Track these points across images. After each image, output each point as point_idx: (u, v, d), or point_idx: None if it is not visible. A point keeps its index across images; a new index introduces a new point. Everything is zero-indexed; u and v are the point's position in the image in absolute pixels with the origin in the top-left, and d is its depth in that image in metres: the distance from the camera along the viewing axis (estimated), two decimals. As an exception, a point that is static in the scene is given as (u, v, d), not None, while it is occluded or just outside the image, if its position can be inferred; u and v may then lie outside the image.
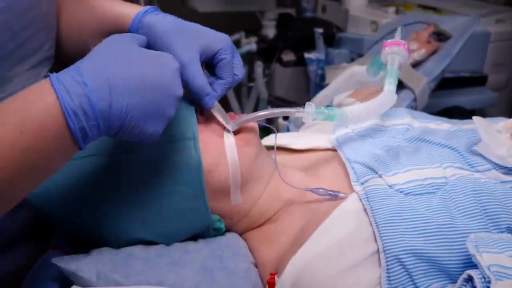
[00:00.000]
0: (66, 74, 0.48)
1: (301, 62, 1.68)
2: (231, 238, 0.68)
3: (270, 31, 1.85)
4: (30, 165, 0.46)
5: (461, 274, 0.56)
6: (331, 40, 1.70)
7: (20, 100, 0.47)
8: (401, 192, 0.65)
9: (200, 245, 0.66)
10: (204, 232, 0.67)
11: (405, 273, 0.57)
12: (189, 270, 0.61)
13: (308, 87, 1.68)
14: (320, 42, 1.62)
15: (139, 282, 0.60)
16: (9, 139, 0.44)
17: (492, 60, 1.65)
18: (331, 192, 0.68)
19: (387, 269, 0.57)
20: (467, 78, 1.57)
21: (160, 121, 0.53)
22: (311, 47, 1.67)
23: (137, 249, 0.64)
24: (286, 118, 1.24)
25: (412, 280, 0.57)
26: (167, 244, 0.66)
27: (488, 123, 0.72)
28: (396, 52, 0.80)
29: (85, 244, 0.68)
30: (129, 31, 0.64)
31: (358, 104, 0.72)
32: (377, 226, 0.60)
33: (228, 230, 0.70)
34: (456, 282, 0.57)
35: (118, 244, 0.65)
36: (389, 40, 0.83)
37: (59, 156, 0.49)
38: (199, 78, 0.61)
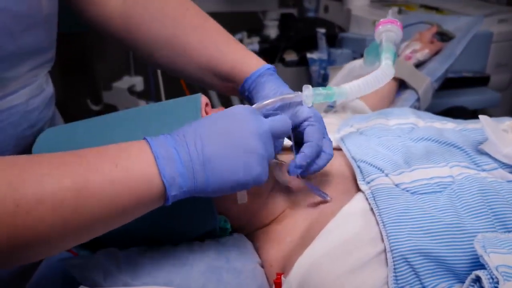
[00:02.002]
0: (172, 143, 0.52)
1: (303, 62, 1.68)
2: (237, 238, 0.68)
3: (272, 31, 1.86)
4: (118, 203, 0.49)
5: (468, 274, 0.56)
6: (333, 40, 1.70)
7: (120, 159, 0.50)
8: (407, 191, 0.65)
9: (206, 245, 0.66)
10: (210, 232, 0.67)
11: (412, 272, 0.57)
12: (196, 270, 0.61)
13: (311, 87, 1.68)
14: (322, 42, 1.62)
15: (147, 283, 0.60)
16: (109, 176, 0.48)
17: (495, 60, 1.65)
18: (321, 192, 0.68)
19: (394, 269, 0.57)
20: (470, 78, 1.57)
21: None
22: (314, 47, 1.67)
23: (143, 250, 0.64)
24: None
25: (419, 280, 0.57)
26: (174, 245, 0.66)
27: (495, 122, 0.72)
28: (390, 30, 0.80)
29: (91, 244, 0.68)
30: (244, 81, 0.71)
31: (356, 80, 0.70)
32: (384, 225, 0.60)
33: (234, 230, 0.70)
34: (463, 282, 0.57)
35: (125, 244, 0.65)
36: (382, 19, 0.82)
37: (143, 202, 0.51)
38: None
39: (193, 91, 1.84)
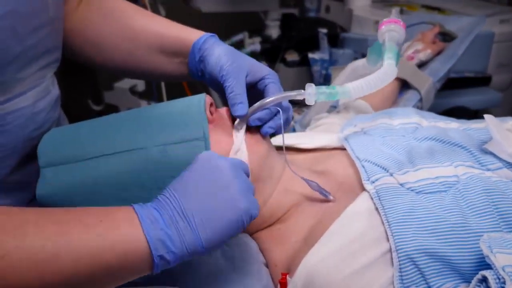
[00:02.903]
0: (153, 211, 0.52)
1: (305, 62, 1.68)
2: (242, 238, 0.68)
3: (273, 32, 1.85)
4: (104, 265, 0.48)
5: (473, 274, 0.56)
6: (335, 40, 1.70)
7: (106, 224, 0.50)
8: (412, 190, 0.65)
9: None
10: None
11: (418, 272, 0.57)
12: (202, 270, 0.61)
13: (312, 87, 1.68)
14: (324, 42, 1.62)
15: (154, 283, 0.60)
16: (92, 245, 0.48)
17: (496, 61, 1.64)
18: (323, 191, 0.68)
19: (400, 269, 0.57)
20: (471, 79, 1.57)
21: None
22: (315, 47, 1.67)
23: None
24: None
25: (425, 280, 0.57)
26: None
27: (499, 122, 0.72)
28: (393, 29, 0.80)
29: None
30: (191, 49, 0.74)
31: (359, 80, 0.70)
32: (389, 225, 0.60)
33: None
34: (468, 282, 0.57)
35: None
36: (385, 19, 0.82)
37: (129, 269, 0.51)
38: (238, 87, 0.66)
39: (195, 91, 1.84)
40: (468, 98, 1.54)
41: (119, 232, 0.49)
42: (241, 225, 0.54)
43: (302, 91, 0.66)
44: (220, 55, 0.70)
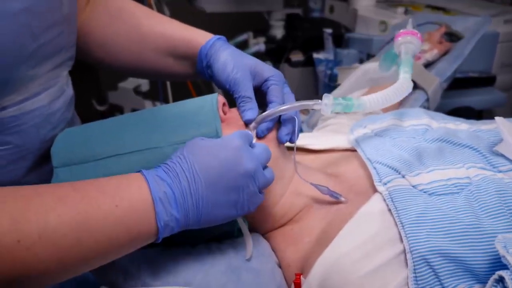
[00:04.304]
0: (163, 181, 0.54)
1: (309, 62, 1.68)
2: (254, 238, 0.68)
3: (278, 32, 1.86)
4: (116, 240, 0.51)
5: (487, 274, 0.56)
6: (339, 40, 1.71)
7: (120, 199, 0.51)
8: (425, 192, 0.65)
9: (224, 245, 0.66)
10: (228, 232, 0.67)
11: (432, 273, 0.57)
12: (216, 270, 0.62)
13: (317, 87, 1.69)
14: (329, 43, 1.63)
15: (167, 283, 0.60)
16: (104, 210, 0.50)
17: (501, 61, 1.65)
18: (334, 193, 0.68)
19: (414, 270, 0.57)
20: (476, 79, 1.57)
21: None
22: (320, 47, 1.67)
23: (162, 250, 0.64)
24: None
25: (439, 281, 0.57)
26: (192, 245, 0.66)
27: (509, 123, 0.72)
28: (409, 42, 0.80)
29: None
30: (198, 54, 0.74)
31: (375, 93, 0.71)
32: (402, 226, 0.60)
33: (250, 230, 0.70)
34: (482, 283, 0.57)
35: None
36: (401, 30, 0.83)
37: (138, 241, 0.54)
38: (247, 93, 0.68)
39: (199, 90, 1.84)
40: (473, 98, 1.54)
41: (136, 216, 0.51)
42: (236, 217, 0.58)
43: (319, 101, 0.66)
44: (226, 62, 0.70)
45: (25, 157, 0.62)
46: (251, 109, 0.67)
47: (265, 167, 0.61)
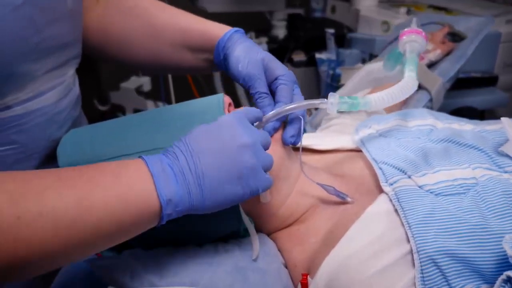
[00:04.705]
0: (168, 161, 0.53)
1: (312, 62, 1.68)
2: (260, 238, 0.68)
3: (280, 32, 1.86)
4: (118, 218, 0.49)
5: (494, 275, 0.56)
6: (341, 41, 1.71)
7: (119, 176, 0.50)
8: (431, 192, 0.65)
9: (231, 245, 0.66)
10: (234, 232, 0.67)
11: (440, 274, 0.57)
12: (222, 270, 0.62)
13: (319, 87, 1.69)
14: (331, 43, 1.63)
15: (174, 283, 0.60)
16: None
17: (503, 61, 1.65)
18: (340, 194, 0.68)
19: (421, 270, 0.57)
20: (478, 79, 1.57)
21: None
22: (322, 47, 1.67)
23: (169, 250, 0.64)
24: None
25: (447, 281, 0.57)
26: (198, 245, 0.66)
27: (514, 124, 0.72)
28: (414, 40, 0.80)
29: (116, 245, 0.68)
30: (216, 47, 0.74)
31: (380, 92, 0.71)
32: (409, 226, 0.60)
33: (256, 231, 0.70)
34: (488, 283, 0.57)
35: (149, 245, 0.65)
36: (406, 29, 0.83)
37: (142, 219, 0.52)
38: (261, 88, 0.68)
39: (201, 90, 1.84)
40: (475, 98, 1.54)
41: (135, 191, 0.50)
42: (243, 199, 0.55)
43: (325, 100, 0.66)
44: (239, 55, 0.70)
45: (31, 157, 0.62)
46: (269, 105, 0.67)
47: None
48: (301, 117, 0.68)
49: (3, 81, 0.55)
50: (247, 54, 0.70)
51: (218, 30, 0.74)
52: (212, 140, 0.54)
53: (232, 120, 0.56)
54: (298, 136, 0.69)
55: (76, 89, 0.70)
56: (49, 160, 0.65)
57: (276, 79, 0.70)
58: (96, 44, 0.77)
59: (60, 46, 0.63)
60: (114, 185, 0.49)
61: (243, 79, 0.69)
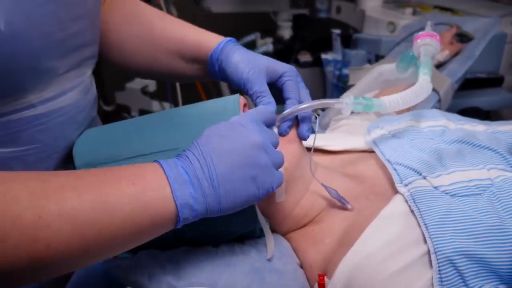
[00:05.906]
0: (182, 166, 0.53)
1: (318, 63, 1.69)
2: (276, 238, 0.69)
3: (286, 32, 1.86)
4: (135, 219, 0.49)
5: (511, 275, 0.56)
6: (347, 41, 1.71)
7: (136, 178, 0.51)
8: (447, 193, 0.65)
9: (247, 246, 0.66)
10: (250, 232, 0.68)
11: (457, 274, 0.57)
12: (240, 271, 0.62)
13: (325, 88, 1.69)
14: (337, 43, 1.63)
15: (191, 284, 0.60)
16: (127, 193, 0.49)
17: (509, 61, 1.65)
18: (341, 199, 0.69)
19: (439, 270, 0.58)
20: (484, 79, 1.57)
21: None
22: (328, 48, 1.68)
23: (186, 251, 0.65)
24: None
25: (464, 282, 0.57)
26: (214, 245, 0.66)
27: (528, 125, 0.72)
28: (429, 44, 0.81)
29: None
30: (210, 58, 0.74)
31: (395, 94, 0.71)
32: (426, 227, 0.60)
33: (271, 231, 0.70)
34: (505, 283, 0.57)
35: (166, 245, 0.65)
36: (421, 32, 0.83)
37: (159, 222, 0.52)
38: (262, 89, 0.67)
39: (208, 92, 1.85)
40: (481, 98, 1.54)
41: (152, 193, 0.50)
42: (258, 199, 0.55)
43: (340, 99, 0.67)
44: (238, 64, 0.70)
45: (51, 157, 0.63)
46: (270, 103, 0.67)
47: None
48: (314, 114, 0.69)
49: (28, 75, 0.55)
50: (246, 61, 0.70)
51: (211, 41, 0.75)
52: (225, 141, 0.54)
53: (245, 120, 0.56)
54: (312, 131, 0.69)
55: (94, 90, 0.70)
56: (67, 160, 0.65)
57: (280, 76, 0.70)
58: (99, 46, 0.77)
59: (81, 44, 0.63)
60: (131, 189, 0.49)
61: (243, 84, 0.69)
